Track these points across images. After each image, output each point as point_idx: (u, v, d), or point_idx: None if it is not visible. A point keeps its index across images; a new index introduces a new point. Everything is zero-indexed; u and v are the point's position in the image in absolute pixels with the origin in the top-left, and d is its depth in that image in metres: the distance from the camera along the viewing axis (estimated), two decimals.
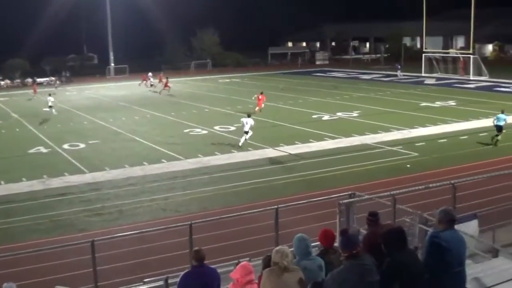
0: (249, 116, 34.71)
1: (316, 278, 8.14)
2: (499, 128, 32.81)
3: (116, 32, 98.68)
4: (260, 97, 48.05)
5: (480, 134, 35.63)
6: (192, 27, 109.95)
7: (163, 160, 30.96)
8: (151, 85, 71.30)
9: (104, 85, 78.51)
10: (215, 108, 51.01)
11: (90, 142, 36.69)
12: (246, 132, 33.71)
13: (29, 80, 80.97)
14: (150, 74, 75.77)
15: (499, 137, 32.63)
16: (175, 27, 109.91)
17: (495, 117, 33.50)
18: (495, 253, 12.94)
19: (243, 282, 8.40)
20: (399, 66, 78.43)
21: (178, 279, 9.53)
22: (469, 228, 13.80)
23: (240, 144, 33.67)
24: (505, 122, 33.23)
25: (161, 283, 12.45)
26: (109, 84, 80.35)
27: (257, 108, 45.79)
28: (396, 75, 76.27)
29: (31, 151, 34.59)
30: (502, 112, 33.53)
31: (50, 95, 50.95)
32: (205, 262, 9.34)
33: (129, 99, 60.42)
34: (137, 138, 37.49)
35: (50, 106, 48.79)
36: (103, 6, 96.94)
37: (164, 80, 67.22)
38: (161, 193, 24.94)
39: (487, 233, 15.46)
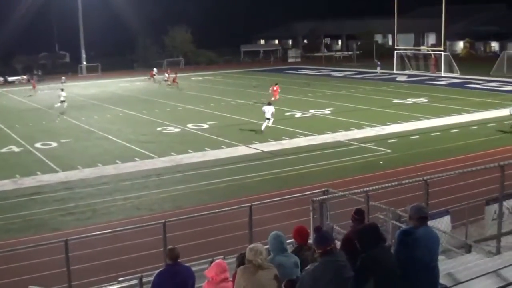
0: (269, 104, 38.03)
1: (291, 275, 8.17)
2: None
3: (88, 30, 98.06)
4: (275, 88, 50.40)
5: (452, 131, 36.01)
6: (164, 25, 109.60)
7: (136, 159, 30.84)
8: (165, 81, 71.68)
9: (76, 84, 77.87)
10: (188, 106, 50.89)
11: (62, 141, 36.40)
12: (268, 119, 36.83)
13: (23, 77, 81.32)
14: (155, 70, 77.28)
15: None
16: (147, 24, 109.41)
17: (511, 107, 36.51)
18: (467, 249, 13.08)
19: (217, 280, 8.42)
20: (379, 63, 78.79)
21: (152, 278, 9.52)
22: (441, 224, 13.95)
23: (262, 128, 36.72)
24: None
25: (135, 282, 12.43)
26: (81, 83, 79.78)
27: (272, 98, 46.25)
28: (376, 72, 76.66)
29: (3, 150, 34.25)
30: None
31: (62, 90, 51.63)
32: (180, 260, 9.33)
33: (102, 97, 60.09)
34: (110, 137, 37.30)
35: (62, 101, 49.65)
36: (75, 4, 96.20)
37: (173, 76, 69.16)
38: (134, 192, 24.84)
39: (459, 228, 15.64)
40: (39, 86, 69.85)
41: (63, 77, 78.21)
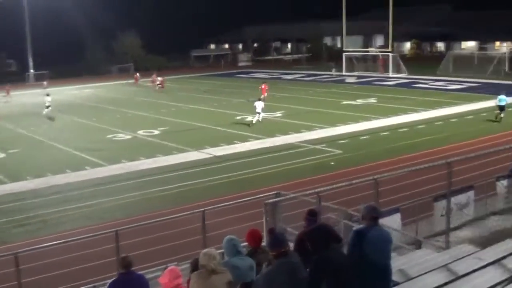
0: (259, 100, 42.35)
1: (246, 278, 8.21)
2: (501, 108, 38.18)
3: (35, 37, 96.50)
4: (263, 86, 52.41)
5: (400, 130, 36.52)
6: (113, 30, 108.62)
7: (86, 167, 30.50)
8: (158, 85, 71.70)
9: (23, 92, 76.64)
10: (138, 113, 50.55)
11: (10, 151, 35.76)
12: (258, 113, 40.67)
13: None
14: (138, 74, 79.56)
15: (502, 115, 38.10)
16: (96, 30, 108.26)
17: (497, 98, 38.62)
18: (418, 245, 13.29)
19: (171, 286, 8.42)
20: (334, 65, 79.18)
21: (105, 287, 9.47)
22: (392, 222, 14.15)
23: (253, 121, 40.44)
24: (506, 102, 38.89)
25: None
26: (29, 91, 78.49)
27: (262, 96, 47.73)
28: (331, 74, 77.10)
29: None
30: (504, 94, 38.60)
31: (48, 95, 51.76)
32: (133, 268, 9.29)
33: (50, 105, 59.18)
34: (59, 146, 36.79)
35: (48, 106, 50.02)
36: (21, 11, 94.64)
37: (159, 79, 70.68)
38: (85, 201, 24.54)
39: (409, 225, 15.87)
40: None
41: (45, 82, 77.59)
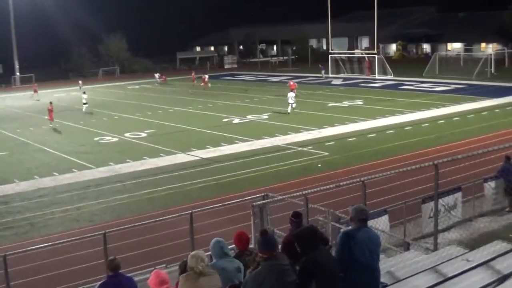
0: (291, 91, 48.39)
1: (234, 280, 8.21)
2: None
3: (21, 40, 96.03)
4: (291, 83, 53.86)
5: (387, 132, 36.63)
6: (98, 33, 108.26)
7: (74, 170, 30.40)
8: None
9: (10, 95, 76.38)
10: (125, 115, 50.45)
11: None
12: (290, 103, 46.34)
13: None
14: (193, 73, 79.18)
15: None
16: (81, 33, 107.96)
17: None
18: (406, 247, 13.33)
19: None
20: (323, 67, 79.15)
21: None
22: (380, 224, 14.18)
23: (288, 111, 45.94)
24: None
25: None
26: (15, 94, 78.21)
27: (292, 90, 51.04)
28: (321, 76, 77.03)
29: None
30: None
31: (84, 93, 55.43)
32: (121, 271, 9.26)
33: (37, 108, 58.77)
34: (46, 148, 36.63)
35: (85, 103, 53.26)
36: (7, 14, 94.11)
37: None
38: (73, 203, 24.48)
39: (398, 227, 15.93)
40: None
41: (80, 82, 78.58)
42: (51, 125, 45.75)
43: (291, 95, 47.16)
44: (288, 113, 45.72)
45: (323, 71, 78.23)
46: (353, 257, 8.03)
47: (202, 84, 70.79)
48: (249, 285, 7.31)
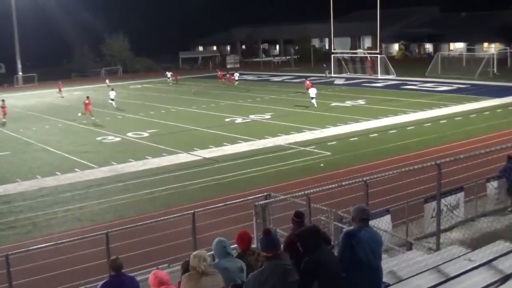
0: (312, 87, 51.19)
1: (236, 279, 8.21)
2: None
3: (23, 40, 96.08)
4: (307, 82, 55.68)
5: (390, 132, 36.61)
6: (101, 33, 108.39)
7: (76, 169, 30.41)
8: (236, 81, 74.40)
9: (12, 95, 76.40)
10: (128, 115, 50.48)
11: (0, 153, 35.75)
12: (313, 98, 49.21)
13: None
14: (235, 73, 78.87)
15: None
16: (84, 33, 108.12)
17: None
18: (408, 246, 13.31)
19: None
20: (327, 67, 78.98)
21: None
22: (382, 223, 14.19)
23: (315, 105, 48.64)
24: None
25: None
26: (18, 94, 78.26)
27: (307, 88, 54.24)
28: (324, 76, 76.90)
29: None
30: None
31: (112, 89, 57.74)
32: (124, 270, 9.27)
33: (39, 108, 59.01)
34: (49, 148, 36.66)
35: (112, 99, 55.08)
36: (9, 14, 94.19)
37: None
38: (75, 203, 24.49)
39: (400, 227, 15.94)
40: None
41: (107, 80, 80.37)
42: (93, 118, 47.98)
43: (313, 91, 49.66)
44: (315, 106, 48.47)
45: (327, 71, 78.09)
46: (355, 257, 8.03)
47: (227, 81, 72.81)
48: (251, 285, 7.30)
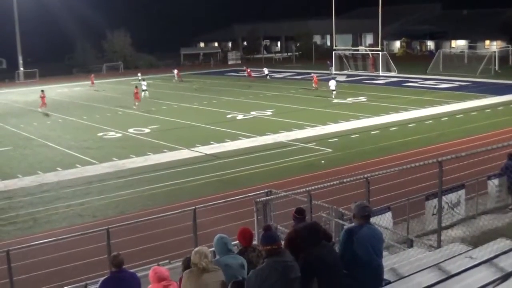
0: (333, 78, 55.35)
1: (237, 276, 8.20)
2: None
3: (25, 35, 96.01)
4: (315, 78, 60.37)
5: (391, 129, 36.60)
6: (102, 29, 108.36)
7: (77, 165, 30.42)
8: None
9: (13, 90, 76.41)
10: (129, 111, 50.45)
11: (1, 149, 35.66)
12: (333, 90, 52.25)
13: None
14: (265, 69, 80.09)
15: None
16: (86, 29, 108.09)
17: None
18: (409, 244, 13.29)
19: (159, 286, 8.43)
20: (331, 63, 78.84)
21: (97, 286, 9.44)
22: (383, 221, 14.17)
23: (333, 97, 51.78)
24: None
25: None
26: (19, 89, 78.22)
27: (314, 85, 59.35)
28: (329, 73, 76.68)
29: None
30: None
31: (143, 80, 61.88)
32: (125, 266, 9.27)
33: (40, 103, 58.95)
34: (50, 144, 36.68)
35: (144, 90, 57.26)
36: (11, 9, 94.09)
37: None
38: (76, 199, 24.50)
39: (401, 224, 15.92)
40: None
41: (139, 74, 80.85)
42: (136, 105, 51.78)
43: (333, 83, 52.88)
44: (333, 95, 52.02)
45: (331, 68, 77.93)
46: (356, 254, 8.04)
47: (248, 76, 74.45)
48: (252, 282, 7.29)
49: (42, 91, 54.55)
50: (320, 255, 7.61)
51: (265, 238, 7.43)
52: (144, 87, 57.73)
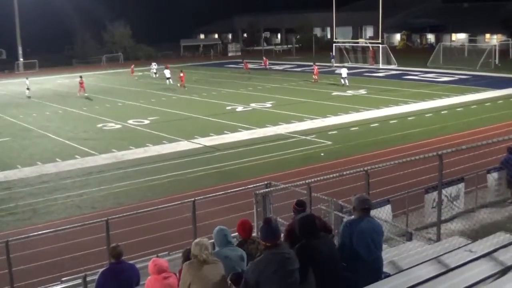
0: (344, 67, 57.19)
1: (237, 268, 8.20)
2: None
3: (24, 26, 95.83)
4: (316, 68, 61.57)
5: (391, 121, 36.58)
6: (102, 20, 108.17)
7: (76, 156, 30.42)
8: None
9: (13, 81, 76.31)
10: (128, 102, 50.43)
11: (0, 140, 35.66)
12: (344, 78, 54.59)
13: None
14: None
15: None
16: (85, 20, 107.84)
17: None
18: (409, 237, 13.31)
19: (160, 279, 8.43)
20: (333, 56, 78.66)
21: (96, 277, 9.44)
22: (382, 213, 14.18)
23: (344, 84, 54.47)
24: None
25: (79, 281, 12.27)
26: (18, 80, 78.06)
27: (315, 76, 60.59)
28: (331, 65, 76.51)
29: None
30: None
31: (167, 68, 62.97)
32: (124, 258, 9.28)
33: (40, 94, 58.87)
34: (49, 134, 36.67)
35: (168, 78, 60.37)
36: (11, 0, 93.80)
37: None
38: (75, 190, 24.51)
39: (400, 217, 15.95)
40: None
41: (154, 63, 79.36)
42: (185, 89, 56.12)
43: (344, 71, 55.30)
44: (343, 84, 54.60)
45: (333, 60, 77.73)
46: (355, 246, 8.03)
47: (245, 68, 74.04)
48: (250, 273, 7.28)
49: (81, 77, 56.77)
50: (316, 246, 7.60)
51: (265, 233, 7.40)
52: (168, 75, 60.39)
